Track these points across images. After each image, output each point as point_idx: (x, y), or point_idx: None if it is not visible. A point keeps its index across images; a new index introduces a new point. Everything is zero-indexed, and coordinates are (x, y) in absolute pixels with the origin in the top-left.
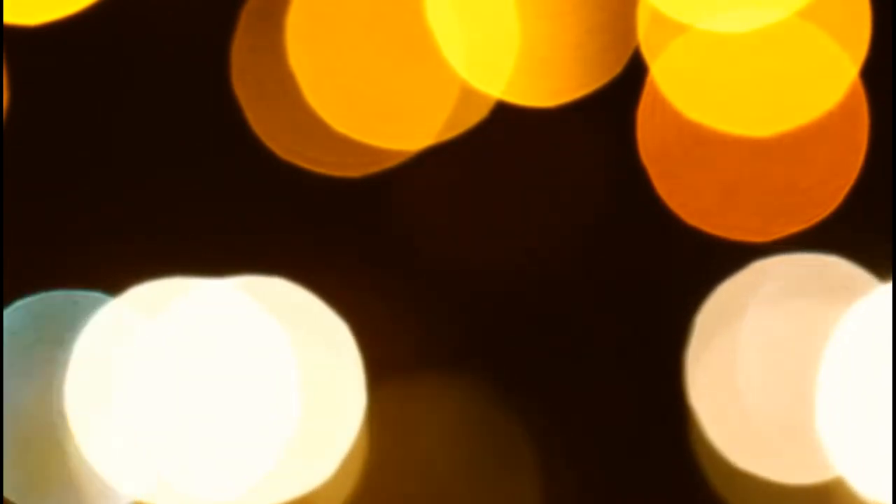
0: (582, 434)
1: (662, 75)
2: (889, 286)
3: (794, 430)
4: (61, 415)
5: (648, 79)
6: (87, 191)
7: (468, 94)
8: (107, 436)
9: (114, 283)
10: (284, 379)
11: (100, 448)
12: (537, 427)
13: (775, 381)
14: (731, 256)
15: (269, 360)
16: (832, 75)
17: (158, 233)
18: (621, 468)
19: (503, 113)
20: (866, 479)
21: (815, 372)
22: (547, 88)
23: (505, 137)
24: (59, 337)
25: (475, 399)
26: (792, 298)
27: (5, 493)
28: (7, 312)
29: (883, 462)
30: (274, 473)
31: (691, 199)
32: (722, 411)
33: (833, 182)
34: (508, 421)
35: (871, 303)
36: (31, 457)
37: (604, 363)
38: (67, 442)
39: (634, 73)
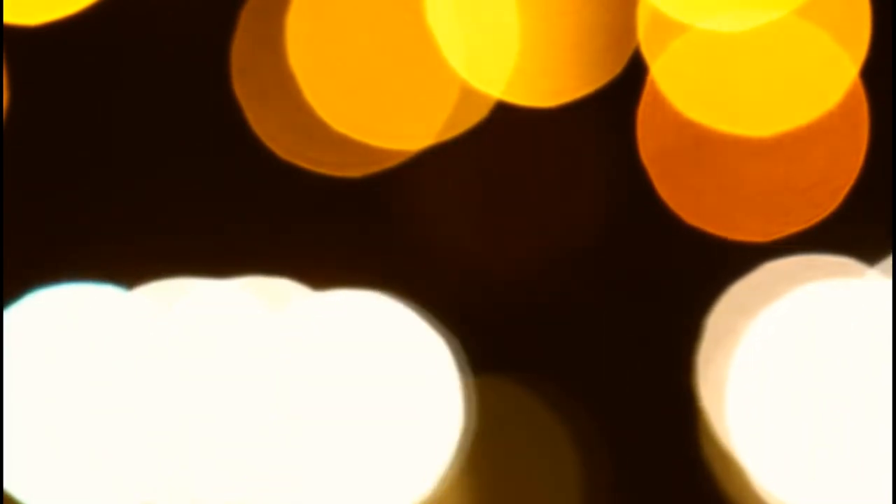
0: (591, 434)
1: (662, 75)
2: (888, 285)
3: (804, 432)
4: (70, 410)
5: (648, 79)
6: (85, 191)
7: (468, 94)
8: (116, 433)
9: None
10: (286, 378)
11: (109, 445)
12: (545, 428)
13: (785, 382)
14: (731, 256)
15: (271, 359)
16: (832, 75)
17: (158, 233)
18: (632, 467)
19: (503, 113)
20: (873, 478)
21: (824, 373)
22: (547, 88)
23: (505, 137)
24: (72, 329)
25: (478, 399)
26: (803, 300)
27: (13, 492)
28: (15, 306)
29: (887, 462)
30: (276, 475)
31: (692, 199)
32: (732, 412)
33: (833, 182)
34: (514, 421)
35: (881, 303)
36: (38, 454)
37: (608, 363)
38: (77, 438)
39: (634, 73)
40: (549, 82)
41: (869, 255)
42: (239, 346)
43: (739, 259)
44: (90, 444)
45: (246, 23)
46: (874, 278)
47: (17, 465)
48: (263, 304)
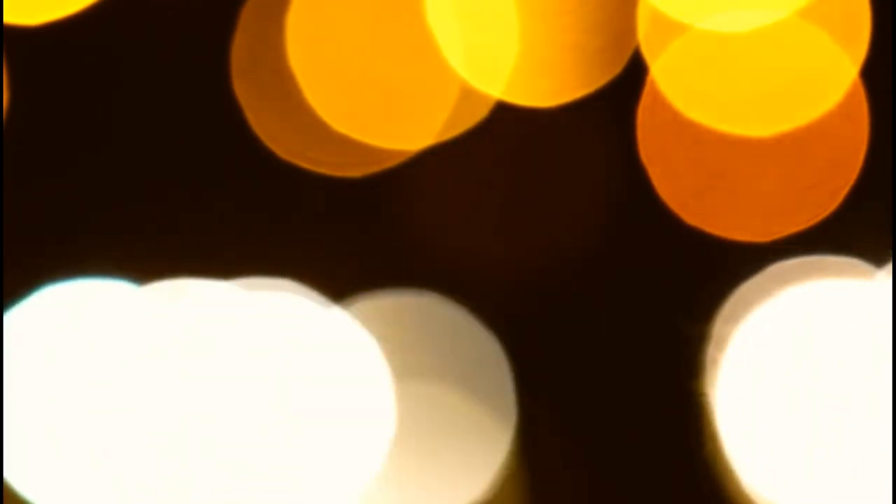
0: (592, 437)
1: (662, 75)
2: (888, 285)
3: (805, 433)
4: (73, 407)
5: (648, 79)
6: (85, 191)
7: (468, 94)
8: (110, 430)
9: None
10: (285, 378)
11: (112, 443)
12: (547, 432)
13: (785, 383)
14: (731, 256)
15: (270, 360)
16: (832, 75)
17: (156, 233)
18: (632, 472)
19: (503, 113)
20: (881, 481)
21: (825, 374)
22: (547, 88)
23: (505, 137)
24: (75, 326)
25: (476, 401)
26: (803, 300)
27: (19, 490)
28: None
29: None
30: (280, 479)
31: (692, 200)
32: (731, 413)
33: (833, 182)
34: (514, 425)
35: (882, 304)
36: (43, 451)
37: (607, 363)
38: (85, 434)
39: (634, 73)
40: (549, 82)
41: (869, 255)
42: (237, 346)
43: (739, 259)
44: (92, 441)
45: (246, 23)
46: (875, 278)
47: (23, 462)
48: (265, 304)
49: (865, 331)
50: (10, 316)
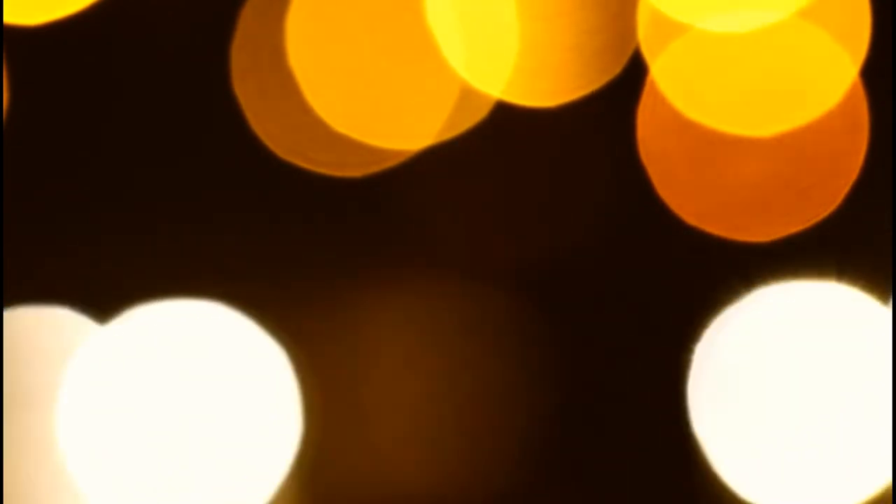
0: (583, 431)
1: (662, 75)
2: (888, 286)
3: (800, 455)
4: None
5: (648, 79)
6: (84, 191)
7: (468, 94)
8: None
9: (104, 293)
10: (284, 377)
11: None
12: (535, 442)
13: (782, 384)
14: (731, 256)
15: (262, 360)
16: (832, 75)
17: (156, 234)
18: (623, 465)
19: (503, 113)
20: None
21: (823, 376)
22: (547, 88)
23: (505, 137)
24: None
25: (474, 401)
26: (801, 301)
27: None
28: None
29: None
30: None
31: (691, 200)
32: (728, 413)
33: (833, 182)
34: (507, 428)
35: (875, 330)
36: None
37: (605, 363)
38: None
39: (634, 73)
40: (549, 82)
41: (868, 255)
42: (234, 347)
43: (739, 259)
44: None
45: (246, 23)
46: (874, 279)
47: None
48: (262, 305)
49: (863, 333)
50: (11, 315)
